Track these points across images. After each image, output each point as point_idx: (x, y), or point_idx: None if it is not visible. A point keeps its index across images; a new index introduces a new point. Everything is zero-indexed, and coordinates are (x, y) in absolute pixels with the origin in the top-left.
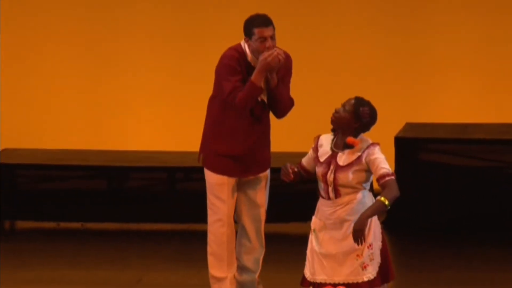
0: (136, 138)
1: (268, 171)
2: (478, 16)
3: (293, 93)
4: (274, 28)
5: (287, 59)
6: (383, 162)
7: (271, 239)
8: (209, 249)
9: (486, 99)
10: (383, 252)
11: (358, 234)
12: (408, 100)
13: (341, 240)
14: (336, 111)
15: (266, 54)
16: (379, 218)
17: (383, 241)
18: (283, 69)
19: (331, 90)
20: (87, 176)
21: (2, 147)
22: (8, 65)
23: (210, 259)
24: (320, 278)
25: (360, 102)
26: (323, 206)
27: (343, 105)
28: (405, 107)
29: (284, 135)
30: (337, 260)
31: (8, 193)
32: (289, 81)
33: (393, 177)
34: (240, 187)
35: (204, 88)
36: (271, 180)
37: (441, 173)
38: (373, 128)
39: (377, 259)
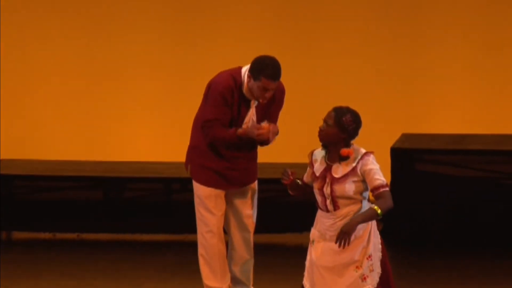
0: (133, 149)
1: (255, 183)
2: (475, 28)
3: (289, 103)
4: (280, 78)
5: (281, 93)
6: (377, 173)
7: (266, 250)
8: (201, 260)
9: (483, 110)
10: (383, 263)
11: (344, 237)
12: (404, 111)
13: (339, 252)
14: (321, 129)
15: (259, 131)
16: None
17: (383, 252)
18: (275, 104)
19: (327, 101)
20: (83, 187)
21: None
22: (7, 78)
23: (204, 270)
24: None
25: (340, 112)
26: (322, 218)
27: (325, 121)
28: (401, 118)
29: (275, 147)
30: (336, 272)
31: (5, 203)
32: (278, 113)
33: (387, 189)
34: (228, 199)
35: (200, 99)
36: (268, 191)
37: (437, 184)
38: (369, 139)
39: (377, 270)
